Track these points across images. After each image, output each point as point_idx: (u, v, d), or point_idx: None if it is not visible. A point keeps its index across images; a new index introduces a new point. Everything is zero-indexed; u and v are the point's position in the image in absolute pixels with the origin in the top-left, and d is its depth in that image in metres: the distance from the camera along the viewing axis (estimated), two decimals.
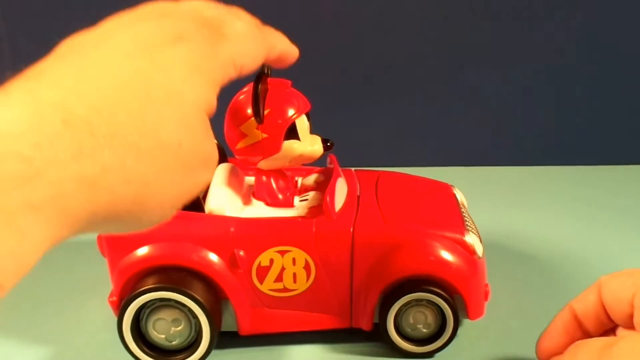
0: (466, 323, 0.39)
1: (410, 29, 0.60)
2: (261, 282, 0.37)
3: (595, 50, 0.61)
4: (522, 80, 0.62)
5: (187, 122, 0.22)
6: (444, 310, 0.37)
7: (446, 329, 0.37)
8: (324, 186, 0.40)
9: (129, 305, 0.36)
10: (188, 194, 0.24)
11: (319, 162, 0.41)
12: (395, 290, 0.37)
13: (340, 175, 0.40)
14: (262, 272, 0.37)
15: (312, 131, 0.39)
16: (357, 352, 0.39)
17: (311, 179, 0.42)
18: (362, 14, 0.59)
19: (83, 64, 0.21)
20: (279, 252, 0.37)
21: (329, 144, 0.39)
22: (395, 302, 0.37)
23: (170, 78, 0.22)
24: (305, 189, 0.42)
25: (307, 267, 0.37)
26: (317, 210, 0.38)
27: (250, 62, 0.27)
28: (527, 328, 0.36)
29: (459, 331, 0.38)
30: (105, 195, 0.19)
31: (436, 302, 0.37)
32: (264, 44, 0.28)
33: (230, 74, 0.26)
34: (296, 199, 0.40)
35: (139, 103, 0.21)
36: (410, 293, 0.36)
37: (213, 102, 0.24)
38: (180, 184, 0.23)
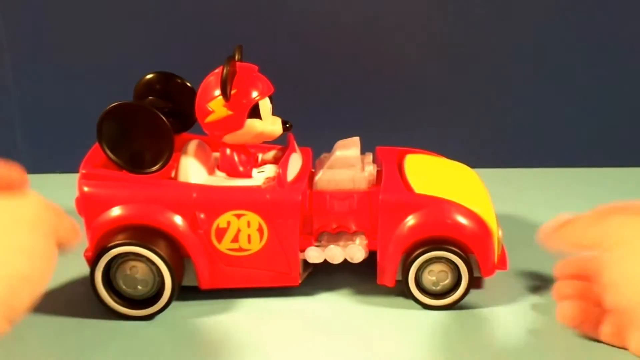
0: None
1: (416, 27, 0.61)
2: (219, 242, 0.42)
3: None
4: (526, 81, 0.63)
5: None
6: (459, 266, 0.41)
7: (461, 284, 0.42)
8: (279, 160, 0.45)
9: (100, 257, 0.40)
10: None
11: (281, 141, 0.46)
12: (417, 249, 0.42)
13: (294, 151, 0.45)
14: (220, 233, 0.42)
15: (274, 113, 0.44)
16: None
17: (270, 154, 0.47)
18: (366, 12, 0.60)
19: None
20: (235, 215, 0.41)
21: (287, 125, 0.44)
22: (416, 260, 0.41)
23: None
24: (264, 163, 0.46)
25: (260, 229, 0.42)
26: (271, 180, 0.43)
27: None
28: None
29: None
30: None
31: (452, 259, 0.41)
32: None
33: None
34: (254, 171, 0.45)
35: None
36: (430, 252, 0.41)
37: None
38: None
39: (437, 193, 0.42)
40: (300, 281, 0.43)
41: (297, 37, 0.60)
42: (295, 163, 0.45)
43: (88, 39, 0.60)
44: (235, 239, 0.42)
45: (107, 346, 0.40)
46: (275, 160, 0.46)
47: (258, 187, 0.42)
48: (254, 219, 0.41)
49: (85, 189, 0.42)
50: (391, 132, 0.61)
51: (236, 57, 0.44)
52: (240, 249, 0.42)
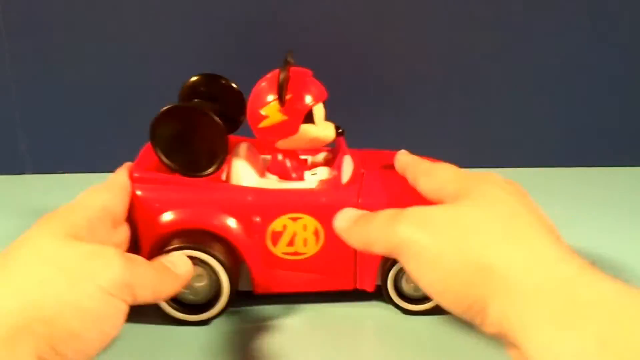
0: None
1: (419, 28, 0.61)
2: (275, 245, 0.42)
3: None
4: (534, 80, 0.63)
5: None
6: None
7: None
8: (331, 163, 0.44)
9: None
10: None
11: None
12: None
13: (346, 153, 0.45)
14: (276, 236, 0.42)
15: (327, 118, 0.44)
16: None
17: (320, 157, 0.47)
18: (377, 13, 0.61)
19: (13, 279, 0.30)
20: (291, 218, 0.41)
21: (340, 130, 0.44)
22: (394, 265, 0.41)
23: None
24: (314, 166, 0.46)
25: (316, 232, 0.41)
26: (326, 182, 0.43)
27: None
28: None
29: None
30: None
31: None
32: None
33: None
34: (306, 174, 0.44)
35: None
36: None
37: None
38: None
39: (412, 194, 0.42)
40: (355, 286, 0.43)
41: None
42: (347, 165, 0.44)
43: (88, 39, 0.60)
44: (291, 243, 0.42)
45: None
46: (326, 163, 0.46)
47: (313, 189, 0.42)
48: (310, 222, 0.41)
49: (138, 192, 0.41)
50: (387, 132, 0.62)
51: (290, 62, 0.43)
52: (296, 253, 0.42)
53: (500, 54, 0.62)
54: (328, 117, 0.43)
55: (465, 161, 0.63)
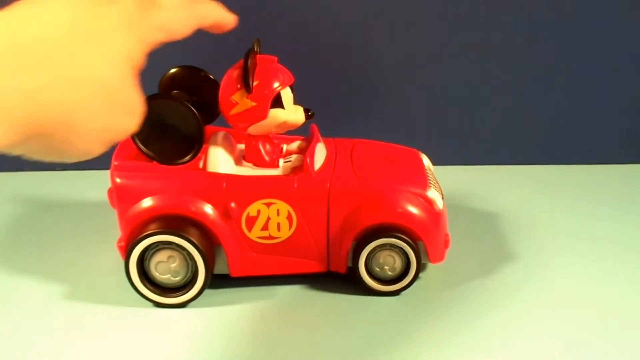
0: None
1: (410, 26, 0.61)
2: (250, 230, 0.43)
3: None
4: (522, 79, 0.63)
5: (114, 65, 0.27)
6: (408, 254, 0.43)
7: (410, 271, 0.43)
8: (305, 150, 0.46)
9: (135, 247, 0.41)
10: (111, 135, 0.28)
11: (303, 131, 0.47)
12: (366, 236, 0.43)
13: (319, 141, 0.46)
14: (251, 221, 0.43)
15: (296, 102, 0.45)
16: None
17: (294, 145, 0.48)
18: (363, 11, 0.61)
19: (33, 9, 0.26)
20: (265, 204, 0.42)
21: (310, 113, 0.45)
22: (365, 247, 0.43)
23: (103, 28, 0.27)
24: (289, 153, 0.47)
25: (289, 217, 0.43)
26: (299, 169, 0.44)
27: (181, 28, 0.32)
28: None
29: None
30: (39, 109, 0.24)
31: (402, 247, 0.43)
32: (194, 13, 0.33)
33: (159, 37, 0.30)
34: (281, 161, 0.46)
35: (73, 41, 0.25)
36: (378, 239, 0.42)
37: (139, 58, 0.28)
38: (105, 121, 0.27)
39: (384, 179, 0.44)
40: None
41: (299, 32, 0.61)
42: (320, 153, 0.46)
43: None
44: (265, 227, 0.43)
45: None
46: (299, 151, 0.47)
47: (286, 176, 0.43)
48: (283, 207, 0.43)
49: (118, 180, 0.43)
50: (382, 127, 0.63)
51: (256, 50, 0.45)
52: (270, 237, 0.43)
53: (499, 52, 0.62)
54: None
55: (464, 160, 0.64)
